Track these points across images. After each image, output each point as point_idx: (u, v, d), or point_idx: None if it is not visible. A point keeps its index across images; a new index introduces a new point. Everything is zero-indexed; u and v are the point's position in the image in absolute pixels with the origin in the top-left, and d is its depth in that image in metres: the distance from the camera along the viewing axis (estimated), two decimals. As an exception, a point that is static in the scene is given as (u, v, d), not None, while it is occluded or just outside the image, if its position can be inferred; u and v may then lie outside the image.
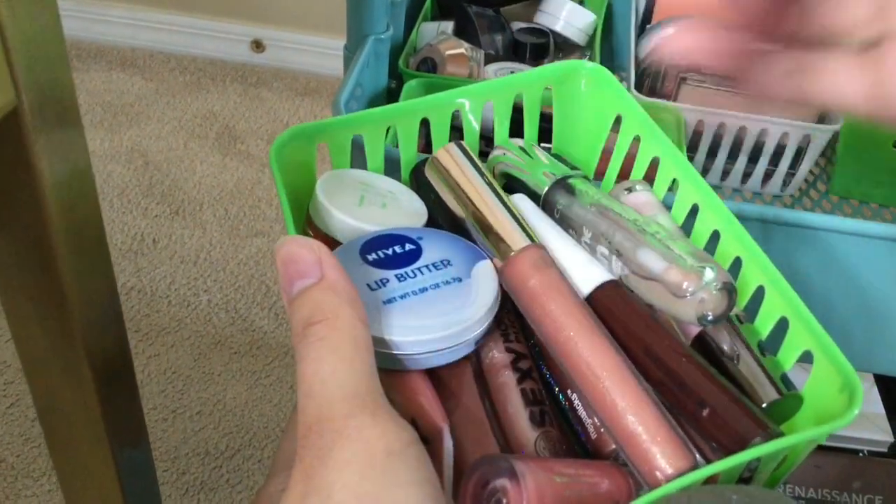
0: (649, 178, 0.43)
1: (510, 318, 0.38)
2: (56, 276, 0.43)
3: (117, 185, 1.47)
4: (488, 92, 0.45)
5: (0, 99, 0.35)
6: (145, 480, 0.61)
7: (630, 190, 0.42)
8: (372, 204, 0.40)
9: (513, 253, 0.36)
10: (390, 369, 0.33)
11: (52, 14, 0.36)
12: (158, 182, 1.48)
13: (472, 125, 0.45)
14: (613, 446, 0.34)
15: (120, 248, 1.33)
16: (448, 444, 0.32)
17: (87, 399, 0.50)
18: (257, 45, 1.82)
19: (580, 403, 0.36)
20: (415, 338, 0.32)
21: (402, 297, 0.33)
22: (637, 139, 0.43)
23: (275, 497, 0.27)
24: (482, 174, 0.40)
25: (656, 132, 0.41)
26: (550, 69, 0.45)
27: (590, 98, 0.45)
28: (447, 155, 0.41)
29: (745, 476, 0.33)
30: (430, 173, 0.41)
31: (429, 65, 0.80)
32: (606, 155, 0.46)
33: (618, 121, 0.44)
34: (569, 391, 0.36)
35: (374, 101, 0.77)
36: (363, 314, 0.29)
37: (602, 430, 0.35)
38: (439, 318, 0.33)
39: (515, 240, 0.36)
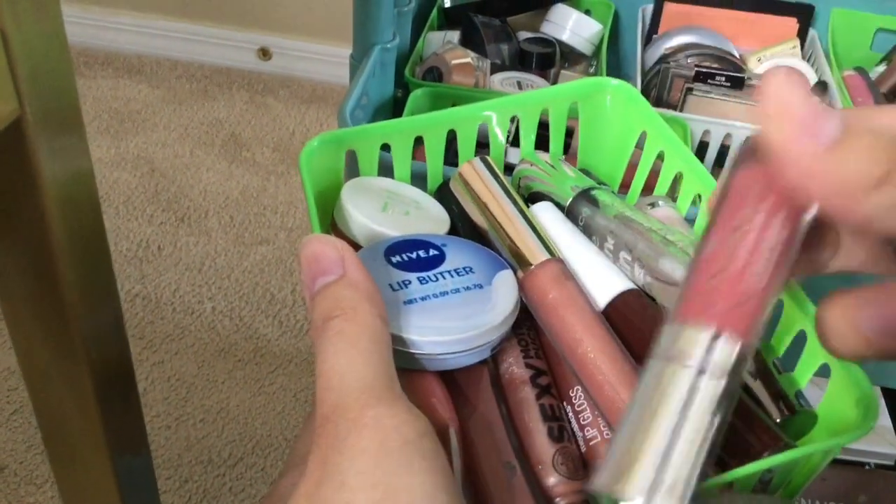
0: (672, 192, 0.44)
1: (531, 334, 0.38)
2: (57, 285, 0.43)
3: (123, 192, 1.47)
4: (515, 106, 0.45)
5: (3, 108, 0.35)
6: (146, 488, 0.61)
7: (653, 205, 0.43)
8: (395, 211, 0.41)
9: (533, 266, 0.36)
10: (406, 368, 0.33)
11: (56, 23, 0.36)
12: (164, 189, 1.48)
13: (498, 138, 0.46)
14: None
15: (125, 254, 1.34)
16: (454, 445, 0.32)
17: (87, 406, 0.50)
18: (264, 53, 1.83)
19: (573, 416, 0.36)
20: (432, 338, 0.33)
21: (422, 298, 0.34)
22: (661, 155, 0.43)
23: (289, 491, 0.27)
24: (506, 189, 0.40)
25: (680, 148, 0.42)
26: (576, 85, 0.46)
27: (615, 114, 0.46)
28: (472, 169, 0.41)
29: (759, 489, 0.32)
30: (454, 187, 0.42)
31: (435, 74, 0.80)
32: (631, 169, 0.46)
33: (643, 136, 0.45)
34: (564, 403, 0.36)
35: (380, 110, 0.77)
36: (382, 311, 0.29)
37: (592, 442, 0.35)
38: (458, 321, 0.33)
39: (536, 253, 0.37)
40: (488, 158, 0.42)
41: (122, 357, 0.52)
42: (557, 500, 0.33)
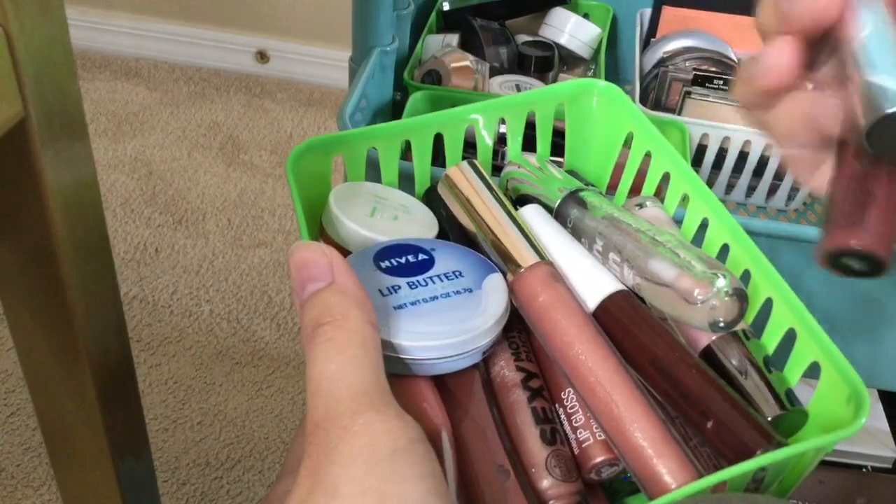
0: (660, 191, 0.44)
1: (521, 336, 0.38)
2: (60, 287, 0.43)
3: (120, 195, 1.47)
4: (502, 108, 0.45)
5: (8, 110, 0.35)
6: (146, 491, 0.61)
7: (641, 205, 0.43)
8: (384, 216, 0.41)
9: (522, 269, 0.36)
10: (397, 374, 0.33)
11: (60, 26, 0.36)
12: (162, 191, 1.48)
13: (486, 140, 0.45)
14: (597, 460, 0.35)
15: (122, 257, 1.33)
16: (447, 449, 0.32)
17: (89, 409, 0.50)
18: (262, 56, 1.83)
19: (566, 419, 0.36)
20: (423, 343, 0.33)
21: (412, 303, 0.34)
22: (648, 155, 0.43)
23: (283, 497, 0.27)
24: (493, 191, 0.40)
25: (667, 148, 0.42)
26: (563, 87, 0.46)
27: (602, 115, 0.46)
28: (459, 172, 0.41)
29: (752, 488, 0.33)
30: (442, 190, 0.42)
31: (434, 77, 0.81)
32: (618, 170, 0.46)
33: (630, 137, 0.45)
34: (556, 405, 0.36)
35: (380, 113, 0.77)
36: (372, 316, 0.29)
37: (585, 444, 0.35)
38: (448, 325, 0.33)
39: (525, 256, 0.37)
40: (475, 161, 0.42)
41: (124, 360, 0.52)
42: (551, 502, 0.33)
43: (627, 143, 0.45)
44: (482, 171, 0.41)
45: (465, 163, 0.42)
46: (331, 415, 0.26)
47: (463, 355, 0.34)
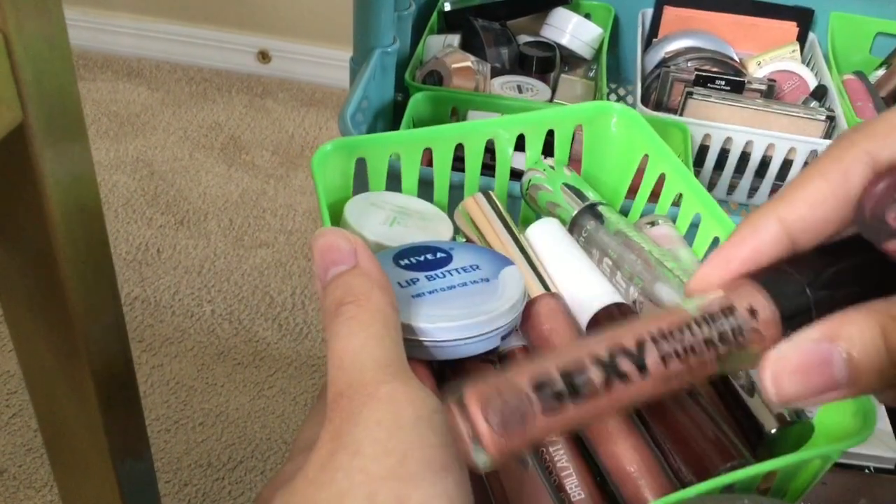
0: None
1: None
2: (60, 289, 0.43)
3: (122, 195, 1.47)
4: (522, 124, 0.48)
5: (7, 114, 0.34)
6: (147, 492, 0.61)
7: (653, 224, 0.45)
8: (401, 224, 0.42)
9: (529, 299, 0.38)
10: (417, 358, 0.34)
11: (59, 28, 0.36)
12: (163, 192, 1.48)
13: (506, 154, 0.48)
14: None
15: (124, 257, 1.33)
16: None
17: (89, 410, 0.50)
18: (263, 56, 1.83)
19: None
20: (442, 325, 0.33)
21: (430, 292, 0.35)
22: (663, 176, 0.45)
23: (294, 475, 0.27)
24: (505, 223, 0.42)
25: (682, 170, 0.44)
26: (582, 108, 0.49)
27: (619, 137, 0.48)
28: (475, 204, 0.44)
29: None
30: (458, 218, 0.44)
31: (435, 77, 0.80)
32: (633, 187, 0.49)
33: (645, 158, 0.47)
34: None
35: (381, 114, 0.77)
36: (394, 300, 0.30)
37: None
38: (466, 308, 0.34)
39: (533, 288, 0.39)
40: (491, 193, 0.44)
41: (124, 360, 0.52)
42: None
43: (642, 165, 0.47)
44: (497, 203, 0.44)
45: (480, 195, 0.44)
46: (355, 384, 0.27)
47: (481, 337, 0.34)
